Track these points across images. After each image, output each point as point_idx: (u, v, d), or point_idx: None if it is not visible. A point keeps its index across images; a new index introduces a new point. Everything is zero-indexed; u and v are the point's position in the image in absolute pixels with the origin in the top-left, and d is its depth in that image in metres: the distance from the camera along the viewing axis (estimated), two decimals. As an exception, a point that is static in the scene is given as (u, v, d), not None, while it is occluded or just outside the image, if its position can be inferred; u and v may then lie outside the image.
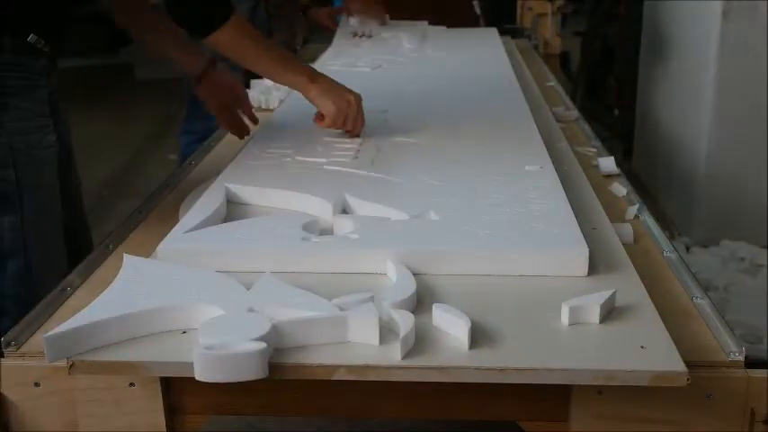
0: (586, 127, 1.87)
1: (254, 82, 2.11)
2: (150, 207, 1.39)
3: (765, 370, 0.90)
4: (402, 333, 0.86)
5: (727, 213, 2.91)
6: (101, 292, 0.97)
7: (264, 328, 0.85)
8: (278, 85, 1.85)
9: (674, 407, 0.90)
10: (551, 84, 2.33)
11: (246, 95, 1.69)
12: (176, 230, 1.14)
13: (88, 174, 2.17)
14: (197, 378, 0.83)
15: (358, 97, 1.53)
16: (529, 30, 3.55)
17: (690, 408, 0.90)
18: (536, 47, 3.15)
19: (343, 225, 1.17)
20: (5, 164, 1.32)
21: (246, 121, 1.67)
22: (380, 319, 0.88)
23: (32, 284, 1.35)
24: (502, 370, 0.84)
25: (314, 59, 2.46)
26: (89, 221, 1.67)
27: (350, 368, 0.86)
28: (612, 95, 4.23)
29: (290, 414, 0.98)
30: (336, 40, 2.77)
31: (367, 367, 0.86)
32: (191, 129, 2.67)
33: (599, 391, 0.90)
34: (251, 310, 0.91)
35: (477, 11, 3.91)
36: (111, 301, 0.94)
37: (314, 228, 1.15)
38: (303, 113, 1.60)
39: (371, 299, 0.93)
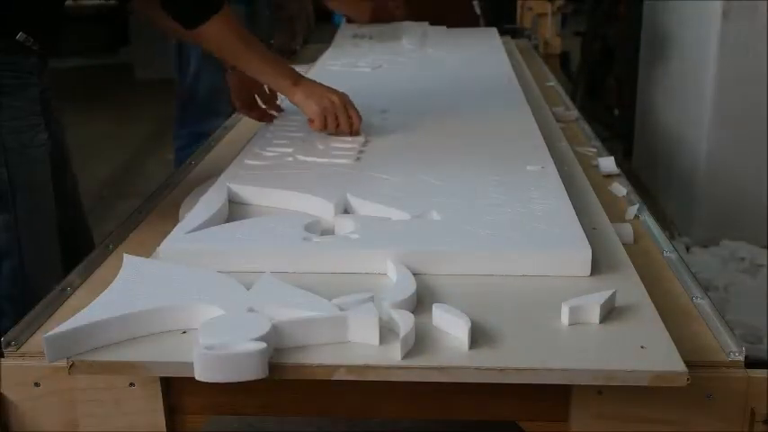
0: (586, 127, 1.87)
1: None
2: (150, 207, 1.38)
3: (765, 370, 0.90)
4: (402, 333, 0.86)
5: (727, 213, 2.91)
6: (101, 292, 0.97)
7: (264, 328, 0.85)
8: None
9: (674, 407, 0.90)
10: (551, 84, 2.33)
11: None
12: (178, 230, 1.14)
13: (88, 174, 2.17)
14: (197, 378, 0.83)
15: (343, 96, 1.53)
16: (529, 30, 3.55)
17: (690, 408, 0.90)
18: (536, 47, 3.15)
19: (345, 225, 1.17)
20: None
21: (270, 111, 1.68)
22: (380, 319, 0.88)
23: (25, 284, 1.35)
24: (502, 370, 0.84)
25: (314, 59, 2.46)
26: (89, 221, 1.67)
27: (350, 368, 0.86)
28: (612, 95, 4.23)
29: (290, 414, 0.98)
30: (336, 40, 2.77)
31: (367, 367, 0.86)
32: (181, 134, 2.63)
33: (599, 391, 0.90)
34: (251, 310, 0.91)
35: (478, 11, 3.90)
36: (111, 301, 0.94)
37: (316, 228, 1.15)
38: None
39: (371, 299, 0.93)
